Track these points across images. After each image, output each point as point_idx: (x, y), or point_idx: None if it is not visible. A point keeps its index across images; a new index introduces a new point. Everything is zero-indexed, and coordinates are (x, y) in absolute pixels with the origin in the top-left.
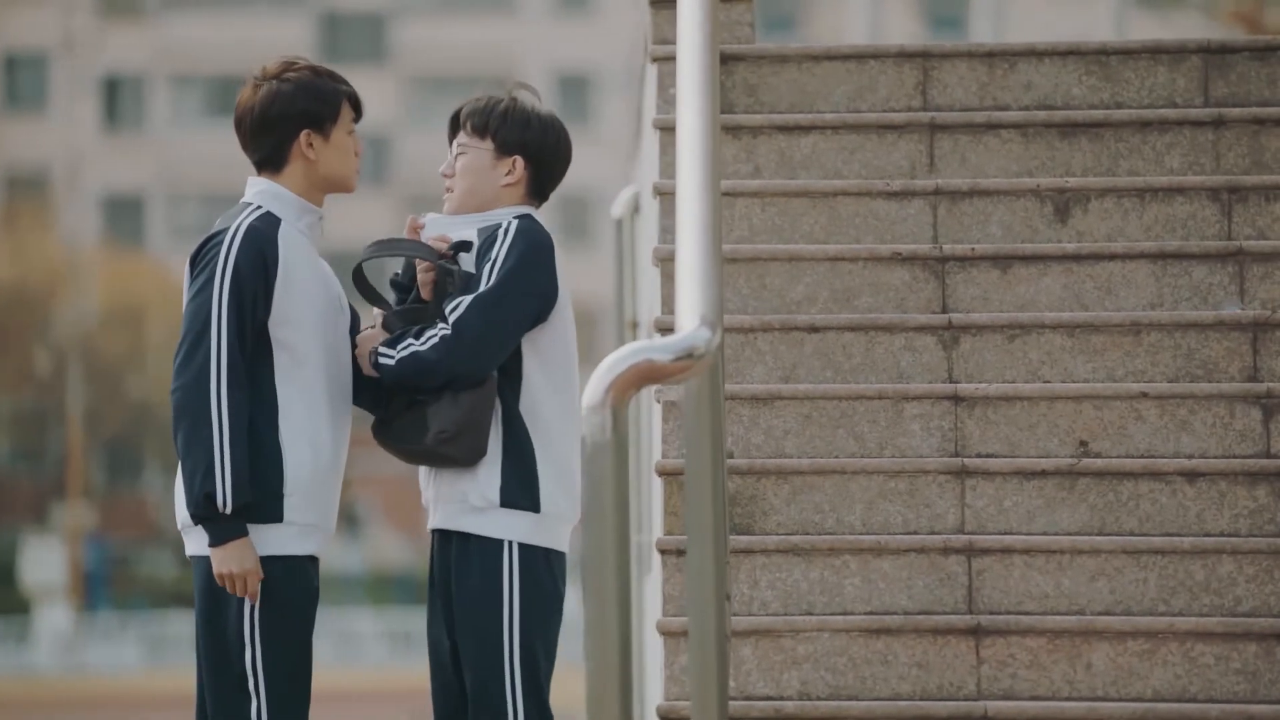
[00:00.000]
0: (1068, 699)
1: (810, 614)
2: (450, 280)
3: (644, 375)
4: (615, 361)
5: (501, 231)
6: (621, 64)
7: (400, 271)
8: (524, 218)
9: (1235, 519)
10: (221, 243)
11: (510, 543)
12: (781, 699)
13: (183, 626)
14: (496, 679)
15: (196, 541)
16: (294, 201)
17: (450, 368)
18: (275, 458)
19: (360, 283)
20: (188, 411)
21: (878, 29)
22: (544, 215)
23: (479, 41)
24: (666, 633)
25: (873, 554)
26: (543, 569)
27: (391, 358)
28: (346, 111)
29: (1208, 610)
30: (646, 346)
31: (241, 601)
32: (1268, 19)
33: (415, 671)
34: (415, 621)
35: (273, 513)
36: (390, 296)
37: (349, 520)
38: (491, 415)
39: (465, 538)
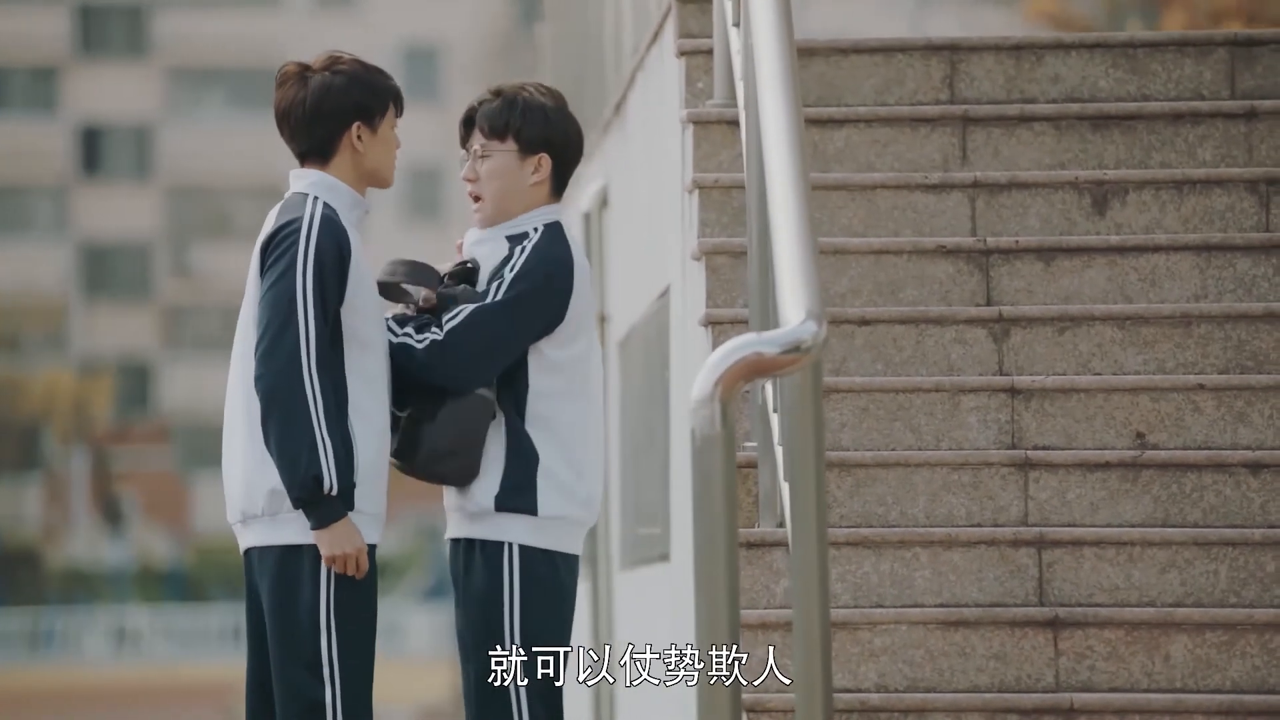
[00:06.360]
0: (1147, 690)
1: (881, 606)
2: (454, 303)
3: (752, 368)
4: (724, 355)
5: (519, 249)
6: (386, 56)
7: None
8: (550, 227)
9: None
10: (299, 230)
11: (510, 544)
12: (862, 691)
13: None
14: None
15: (259, 532)
16: (347, 193)
17: (436, 374)
18: (347, 446)
19: (383, 288)
20: (281, 397)
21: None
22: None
23: (241, 33)
24: (744, 625)
25: (942, 546)
26: (544, 570)
27: (394, 335)
28: (392, 108)
29: None
30: (754, 340)
31: (316, 590)
32: (1075, 15)
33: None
34: (190, 618)
35: (345, 501)
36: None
37: (115, 516)
38: (485, 436)
39: (471, 543)
